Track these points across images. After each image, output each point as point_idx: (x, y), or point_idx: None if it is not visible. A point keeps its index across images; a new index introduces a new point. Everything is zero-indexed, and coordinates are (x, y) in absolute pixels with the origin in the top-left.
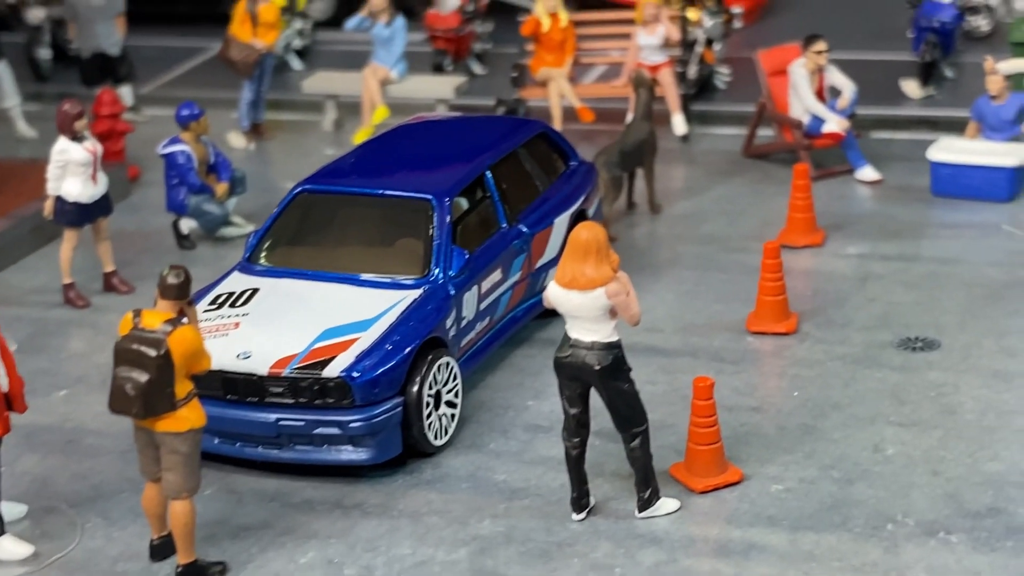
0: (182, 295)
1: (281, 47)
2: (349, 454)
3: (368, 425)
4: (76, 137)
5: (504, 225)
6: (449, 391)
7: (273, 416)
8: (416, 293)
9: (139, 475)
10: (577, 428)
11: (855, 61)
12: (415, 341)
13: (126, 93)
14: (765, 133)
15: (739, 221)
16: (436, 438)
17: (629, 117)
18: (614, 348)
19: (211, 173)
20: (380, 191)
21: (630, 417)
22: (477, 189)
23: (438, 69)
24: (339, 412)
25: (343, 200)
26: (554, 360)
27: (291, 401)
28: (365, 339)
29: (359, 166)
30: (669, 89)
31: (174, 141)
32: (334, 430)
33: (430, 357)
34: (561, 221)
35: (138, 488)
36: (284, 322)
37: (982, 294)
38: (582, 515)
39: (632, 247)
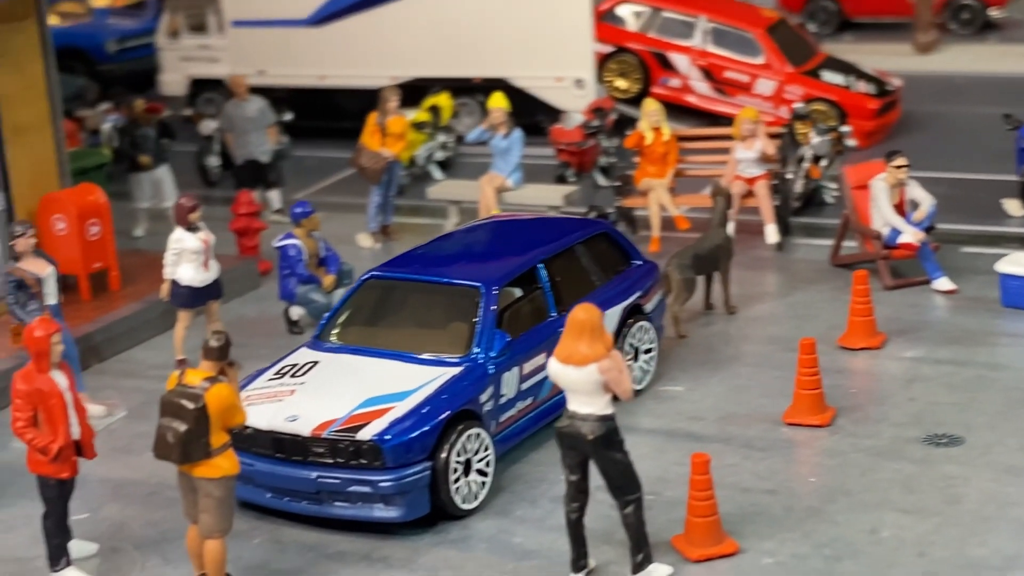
0: (222, 357)
1: (423, 158)
2: (380, 511)
3: (397, 485)
4: (190, 228)
5: (553, 314)
6: (480, 460)
7: (314, 474)
8: (456, 370)
9: None
10: (576, 494)
11: (965, 180)
12: (445, 412)
13: (274, 197)
14: (852, 244)
15: (807, 324)
16: (464, 502)
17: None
18: (608, 420)
19: (321, 266)
20: (436, 279)
21: (623, 486)
22: (529, 280)
23: (561, 180)
24: (371, 472)
25: (404, 286)
26: (555, 430)
27: (330, 461)
28: (400, 408)
29: (425, 256)
30: (764, 200)
31: (287, 236)
32: (366, 488)
33: (461, 427)
34: (612, 314)
35: None
36: (333, 391)
37: (1020, 398)
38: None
39: (699, 344)
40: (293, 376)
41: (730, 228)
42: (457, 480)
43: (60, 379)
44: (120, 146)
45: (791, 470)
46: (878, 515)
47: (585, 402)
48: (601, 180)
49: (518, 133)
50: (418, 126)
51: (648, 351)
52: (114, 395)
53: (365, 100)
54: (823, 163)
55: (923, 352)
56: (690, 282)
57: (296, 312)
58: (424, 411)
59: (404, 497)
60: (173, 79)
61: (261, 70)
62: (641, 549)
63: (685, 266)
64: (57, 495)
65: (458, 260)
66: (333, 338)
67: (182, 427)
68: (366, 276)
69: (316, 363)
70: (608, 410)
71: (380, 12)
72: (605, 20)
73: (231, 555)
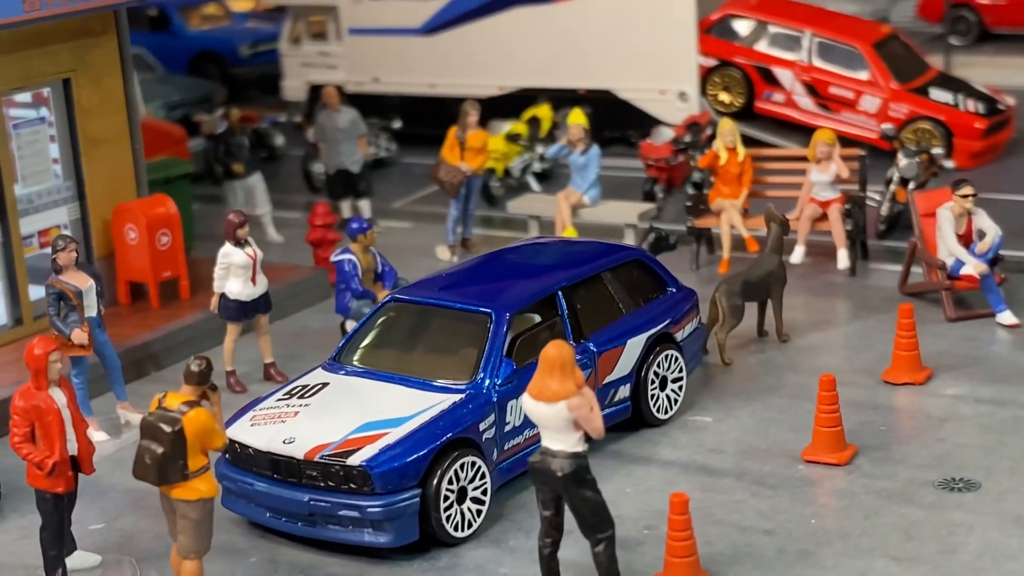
0: (202, 381)
1: (518, 170)
2: (370, 536)
3: (385, 511)
4: (238, 243)
5: (571, 342)
6: (476, 488)
7: (306, 496)
8: (457, 397)
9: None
10: (549, 529)
11: None
12: (438, 440)
13: (364, 206)
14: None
15: (859, 356)
16: (457, 530)
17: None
18: (578, 458)
19: (378, 280)
20: (451, 303)
21: (594, 524)
22: (546, 307)
23: (648, 196)
24: (360, 497)
25: (421, 310)
26: (528, 464)
27: (322, 484)
28: (394, 434)
29: (448, 279)
30: (836, 224)
31: (344, 251)
32: (355, 513)
33: (455, 455)
34: (636, 342)
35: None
36: (334, 414)
37: None
38: None
39: (741, 373)
40: (300, 397)
41: (798, 253)
42: (449, 508)
43: (59, 396)
44: (215, 154)
45: (795, 510)
46: (869, 562)
47: (556, 438)
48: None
49: (595, 150)
50: (512, 138)
51: (676, 380)
52: None
53: (486, 110)
54: (911, 186)
55: (966, 390)
56: (737, 309)
57: (351, 326)
58: (417, 438)
59: (393, 523)
60: (294, 85)
61: (375, 77)
62: None
63: (733, 292)
64: (53, 508)
65: (478, 284)
66: (348, 360)
67: (159, 449)
68: (387, 299)
69: (326, 385)
70: (579, 447)
71: (489, 22)
72: (710, 33)
73: (227, 571)
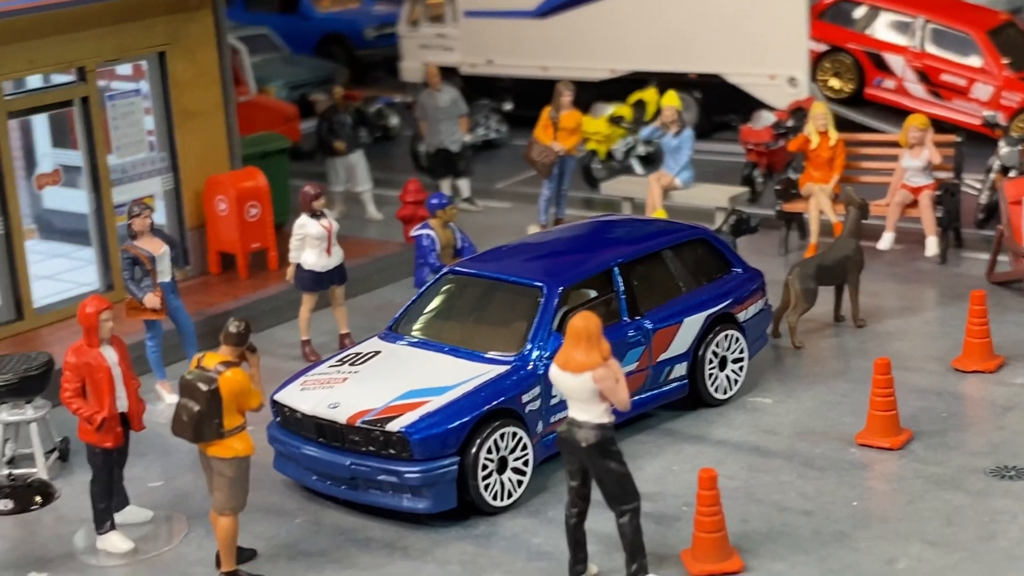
0: (240, 342)
1: (621, 152)
2: (408, 502)
3: (423, 477)
4: (314, 214)
5: (625, 318)
6: (517, 459)
7: (348, 460)
8: (503, 368)
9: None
10: (575, 499)
11: None
12: (477, 410)
13: (464, 186)
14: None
15: (933, 343)
16: (496, 499)
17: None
18: (603, 429)
19: (457, 256)
20: (505, 277)
21: (618, 495)
22: (602, 283)
23: (747, 180)
24: (399, 463)
25: (477, 283)
26: (556, 435)
27: (363, 449)
28: (435, 402)
29: (507, 254)
30: (925, 211)
31: (424, 226)
32: (394, 478)
33: (496, 424)
34: (693, 321)
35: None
36: (380, 381)
37: None
38: None
39: (810, 357)
40: (352, 364)
41: (887, 239)
42: (488, 477)
43: (109, 354)
44: (318, 131)
45: (839, 492)
46: (903, 546)
47: (582, 409)
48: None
49: (688, 132)
50: (615, 120)
51: (737, 361)
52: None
53: (586, 92)
54: (1011, 174)
55: None
56: (810, 292)
57: None
58: (457, 407)
59: (431, 489)
60: (411, 66)
61: (489, 59)
62: (636, 559)
63: (807, 276)
64: (102, 462)
65: (534, 259)
66: (403, 330)
67: (195, 407)
68: (445, 271)
69: (378, 353)
70: (604, 419)
71: (602, 6)
72: (822, 18)
73: (273, 531)
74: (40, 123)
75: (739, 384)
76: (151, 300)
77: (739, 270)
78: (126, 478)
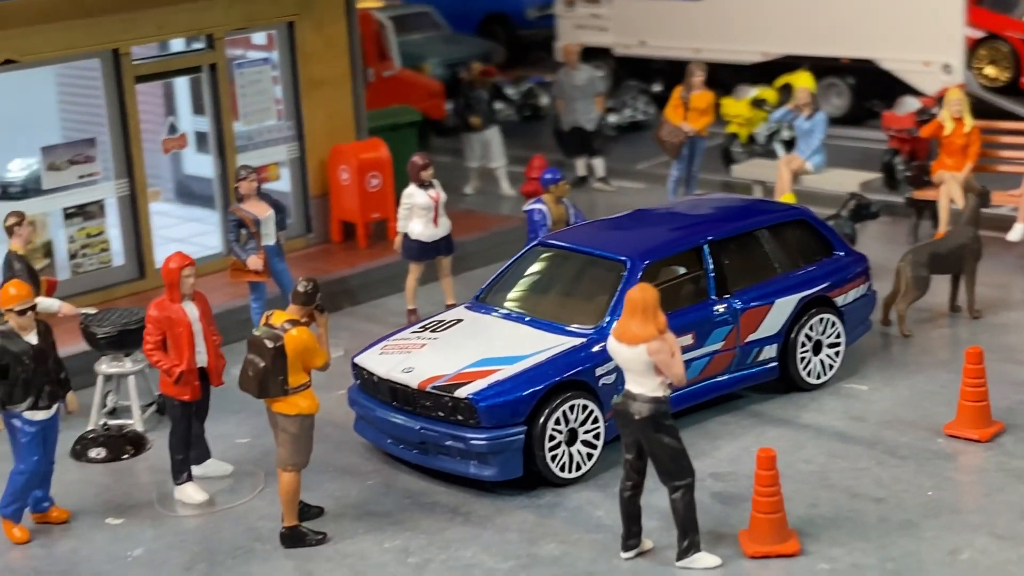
0: (308, 302)
1: (764, 136)
2: (475, 468)
3: (489, 445)
4: (422, 184)
5: (712, 296)
6: (588, 432)
7: (418, 424)
8: (578, 341)
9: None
10: (629, 472)
11: None
12: (547, 381)
13: (598, 165)
14: None
15: None
16: (564, 471)
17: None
18: (658, 402)
19: None
20: (592, 250)
21: (671, 471)
22: (691, 260)
23: (888, 168)
24: (466, 430)
25: (564, 255)
26: (612, 406)
27: (432, 414)
28: (506, 371)
29: (599, 227)
30: None
31: (536, 201)
32: (461, 445)
33: (567, 396)
34: (785, 302)
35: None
36: (456, 349)
37: None
38: (629, 554)
39: (917, 345)
40: (433, 331)
41: (1018, 230)
42: (556, 448)
43: (191, 309)
44: (455, 107)
45: (915, 482)
46: (969, 537)
47: (637, 382)
48: None
49: (821, 116)
50: (757, 103)
51: (833, 346)
52: (345, 336)
53: (736, 74)
54: None
55: None
56: (921, 280)
57: None
58: (527, 377)
59: (497, 457)
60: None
61: (642, 40)
62: (687, 536)
63: (919, 264)
64: (180, 415)
65: (624, 233)
66: (489, 300)
67: (260, 363)
68: (536, 242)
69: (459, 321)
70: (659, 392)
71: None
72: (981, 4)
73: (344, 490)
74: (182, 89)
75: (834, 369)
76: (254, 262)
77: (841, 253)
78: (215, 433)
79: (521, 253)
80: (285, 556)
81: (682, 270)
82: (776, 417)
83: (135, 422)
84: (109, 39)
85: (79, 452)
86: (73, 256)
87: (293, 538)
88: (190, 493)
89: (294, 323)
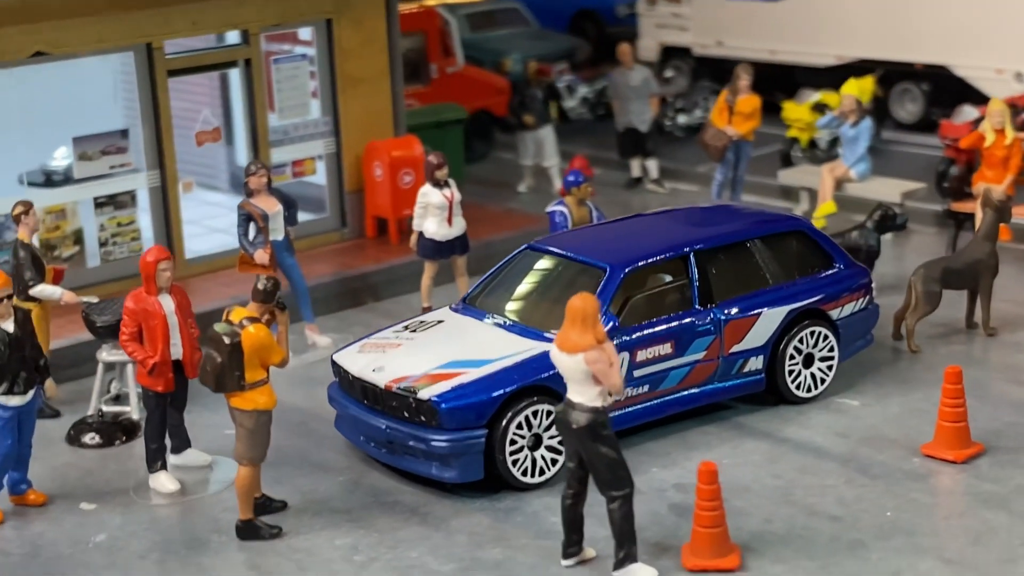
0: (267, 299)
1: (826, 142)
2: (437, 470)
3: (450, 447)
4: (437, 184)
5: (696, 306)
6: (552, 437)
7: (384, 423)
8: (548, 346)
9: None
10: (571, 480)
11: None
12: (510, 385)
13: (652, 166)
14: None
15: None
16: (526, 475)
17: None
18: (596, 412)
19: None
20: (574, 256)
21: (608, 481)
22: (676, 269)
23: (942, 177)
24: (429, 431)
25: (549, 260)
26: (554, 415)
27: (398, 414)
28: (472, 374)
29: (586, 233)
30: None
31: (558, 203)
32: (423, 445)
33: (530, 401)
34: (773, 314)
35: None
36: (429, 350)
37: None
38: (569, 562)
39: (924, 361)
40: (413, 331)
41: None
42: (517, 452)
43: (167, 303)
44: (510, 105)
45: (879, 501)
46: (915, 561)
47: (577, 391)
48: None
49: (866, 123)
50: (818, 108)
51: (826, 360)
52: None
53: (814, 77)
54: None
55: None
56: (933, 295)
57: None
58: (490, 381)
59: (458, 459)
60: (648, 45)
61: (719, 41)
62: (624, 546)
63: (931, 278)
64: (155, 405)
65: (612, 240)
66: (474, 302)
67: (218, 359)
68: (524, 247)
69: (441, 322)
70: (597, 402)
71: None
72: None
73: (312, 485)
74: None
75: (826, 383)
76: (260, 256)
77: (840, 266)
78: (206, 423)
79: (511, 256)
80: (238, 548)
81: (667, 278)
82: (758, 430)
83: (132, 410)
84: (141, 34)
85: (73, 437)
86: (103, 244)
87: (247, 531)
88: (163, 482)
89: (252, 320)
